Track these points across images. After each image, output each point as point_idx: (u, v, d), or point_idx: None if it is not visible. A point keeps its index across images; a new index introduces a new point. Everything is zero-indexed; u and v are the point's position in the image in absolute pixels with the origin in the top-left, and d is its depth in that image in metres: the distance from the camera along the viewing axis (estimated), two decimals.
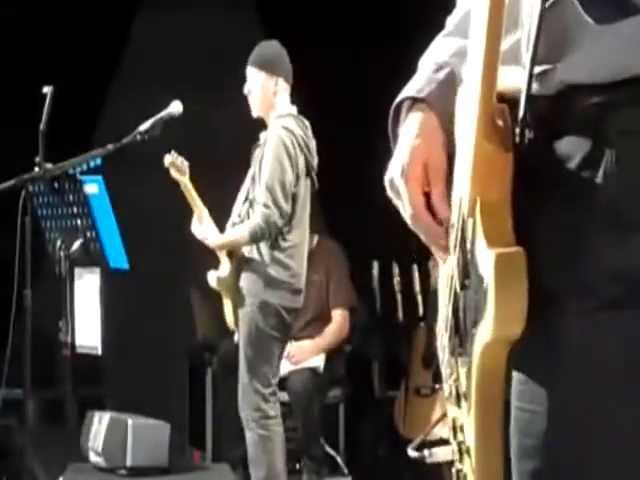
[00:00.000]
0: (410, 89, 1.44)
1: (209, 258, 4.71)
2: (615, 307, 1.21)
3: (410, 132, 1.40)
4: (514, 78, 1.26)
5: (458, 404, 1.40)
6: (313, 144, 4.61)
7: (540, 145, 1.26)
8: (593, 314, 1.22)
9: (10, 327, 4.08)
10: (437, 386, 1.54)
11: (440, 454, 1.53)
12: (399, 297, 5.72)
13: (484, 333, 1.24)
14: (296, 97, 4.73)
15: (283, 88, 4.65)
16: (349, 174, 5.87)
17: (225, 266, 4.62)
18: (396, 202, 1.42)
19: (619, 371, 1.21)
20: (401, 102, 1.45)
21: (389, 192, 1.42)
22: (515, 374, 1.29)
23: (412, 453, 1.61)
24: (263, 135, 4.65)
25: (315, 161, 4.62)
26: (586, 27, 1.21)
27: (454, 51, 1.44)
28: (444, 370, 1.50)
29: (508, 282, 1.20)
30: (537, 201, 1.25)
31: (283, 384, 5.50)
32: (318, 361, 5.64)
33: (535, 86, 1.24)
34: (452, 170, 1.39)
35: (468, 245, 1.30)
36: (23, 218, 3.97)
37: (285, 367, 5.53)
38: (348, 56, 6.19)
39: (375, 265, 5.95)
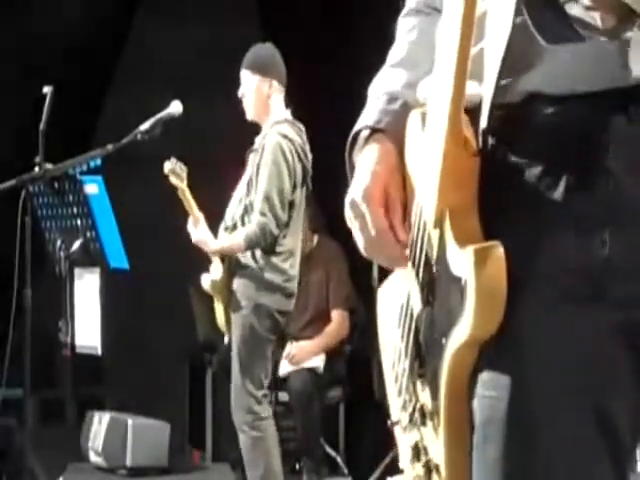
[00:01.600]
0: (367, 119, 1.50)
1: (209, 259, 4.71)
2: (580, 302, 1.27)
3: (370, 159, 1.46)
4: (474, 89, 1.32)
5: (424, 424, 1.44)
6: (308, 149, 4.62)
7: (505, 150, 1.32)
8: (558, 306, 1.28)
9: (10, 327, 4.08)
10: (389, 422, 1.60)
11: None
12: None
13: (460, 333, 1.28)
14: (295, 98, 4.73)
15: (277, 90, 4.65)
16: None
17: (217, 269, 4.64)
18: (352, 224, 1.46)
19: (583, 362, 1.27)
20: (358, 131, 1.50)
21: (348, 213, 1.46)
22: (482, 366, 1.32)
23: None
24: (258, 140, 4.65)
25: (310, 166, 4.63)
26: (541, 45, 1.30)
27: (405, 82, 1.50)
28: (399, 400, 1.54)
29: (488, 274, 1.24)
30: (503, 203, 1.31)
31: (283, 384, 5.51)
32: (318, 361, 5.64)
33: (500, 95, 1.31)
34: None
35: (433, 258, 1.35)
36: (23, 218, 3.97)
37: (285, 367, 5.54)
38: (347, 56, 6.19)
39: (375, 265, 5.95)
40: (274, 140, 4.51)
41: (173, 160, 4.59)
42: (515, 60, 1.29)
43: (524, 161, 1.30)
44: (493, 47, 1.30)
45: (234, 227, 4.58)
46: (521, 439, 1.28)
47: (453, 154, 1.29)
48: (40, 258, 4.35)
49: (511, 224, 1.30)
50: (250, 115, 4.67)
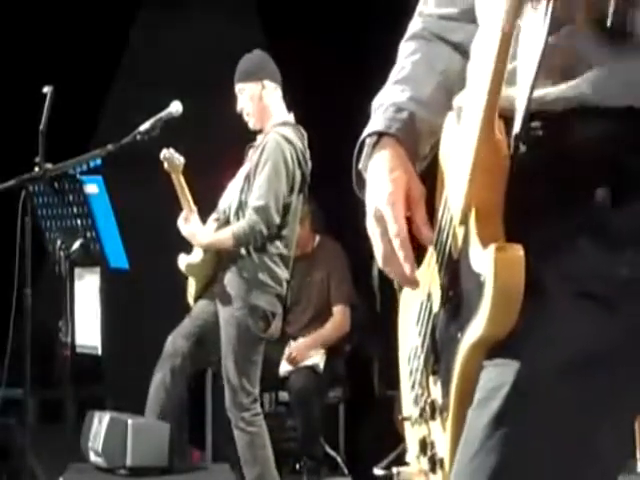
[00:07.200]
0: (375, 126, 1.52)
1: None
2: (598, 300, 1.29)
3: (385, 166, 1.49)
4: (508, 91, 1.33)
5: (433, 418, 1.47)
6: (308, 155, 4.61)
7: (542, 156, 1.32)
8: (578, 299, 1.29)
9: (10, 327, 4.08)
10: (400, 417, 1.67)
11: (407, 473, 1.59)
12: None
13: (475, 329, 1.30)
14: (296, 98, 4.72)
15: (272, 89, 4.64)
16: (350, 174, 5.87)
17: (197, 253, 4.67)
18: (373, 233, 1.47)
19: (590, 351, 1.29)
20: (365, 138, 1.53)
21: (370, 221, 1.48)
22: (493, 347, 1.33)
23: (378, 472, 1.70)
24: (260, 138, 4.64)
25: (308, 173, 4.62)
26: (598, 56, 1.30)
27: (410, 96, 1.54)
28: (411, 395, 1.58)
29: (507, 274, 1.25)
30: (532, 206, 1.32)
31: (283, 384, 5.51)
32: (318, 359, 5.63)
33: (541, 102, 1.31)
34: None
35: (457, 253, 1.38)
36: (23, 218, 3.97)
37: (285, 367, 5.54)
38: (348, 56, 6.19)
39: (375, 265, 5.95)
40: (276, 141, 4.49)
41: (172, 150, 4.57)
42: (556, 67, 1.30)
43: (563, 168, 1.30)
44: (528, 53, 1.30)
45: (227, 222, 4.58)
46: (523, 406, 1.29)
47: (484, 153, 1.30)
48: (40, 258, 4.35)
49: (538, 227, 1.31)
50: (252, 123, 4.66)
